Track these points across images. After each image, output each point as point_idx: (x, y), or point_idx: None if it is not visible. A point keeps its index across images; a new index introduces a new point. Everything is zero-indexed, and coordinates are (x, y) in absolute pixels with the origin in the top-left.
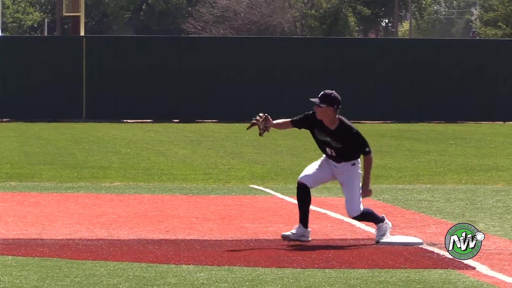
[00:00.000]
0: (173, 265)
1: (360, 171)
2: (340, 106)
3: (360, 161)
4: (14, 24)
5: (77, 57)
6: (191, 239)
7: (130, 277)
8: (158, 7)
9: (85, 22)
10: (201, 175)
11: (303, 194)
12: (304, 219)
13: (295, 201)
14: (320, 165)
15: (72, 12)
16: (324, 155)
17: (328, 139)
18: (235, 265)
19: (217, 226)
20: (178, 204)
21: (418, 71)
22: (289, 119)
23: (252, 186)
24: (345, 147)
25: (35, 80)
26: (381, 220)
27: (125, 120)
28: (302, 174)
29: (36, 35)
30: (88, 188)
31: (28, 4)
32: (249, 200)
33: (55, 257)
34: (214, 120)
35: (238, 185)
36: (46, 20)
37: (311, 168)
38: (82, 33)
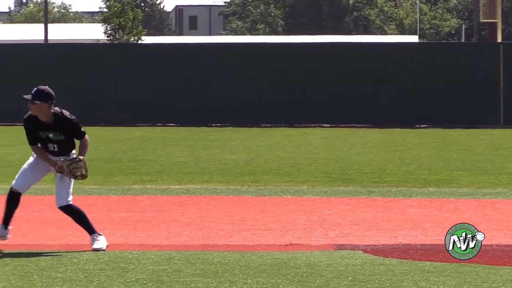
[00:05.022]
0: None
1: None
2: (54, 101)
3: (75, 154)
4: (432, 31)
5: (494, 63)
6: None
7: None
8: None
9: (502, 29)
10: None
11: (14, 200)
12: (7, 219)
13: None
14: (32, 167)
15: (489, 19)
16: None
17: (50, 134)
18: None
19: None
20: None
21: None
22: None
23: None
24: (67, 137)
25: (451, 84)
26: (93, 231)
27: None
28: (15, 181)
29: (453, 41)
30: (506, 194)
31: (445, 10)
32: None
33: (473, 263)
34: None
35: None
36: (463, 26)
37: (24, 174)
38: (499, 40)
